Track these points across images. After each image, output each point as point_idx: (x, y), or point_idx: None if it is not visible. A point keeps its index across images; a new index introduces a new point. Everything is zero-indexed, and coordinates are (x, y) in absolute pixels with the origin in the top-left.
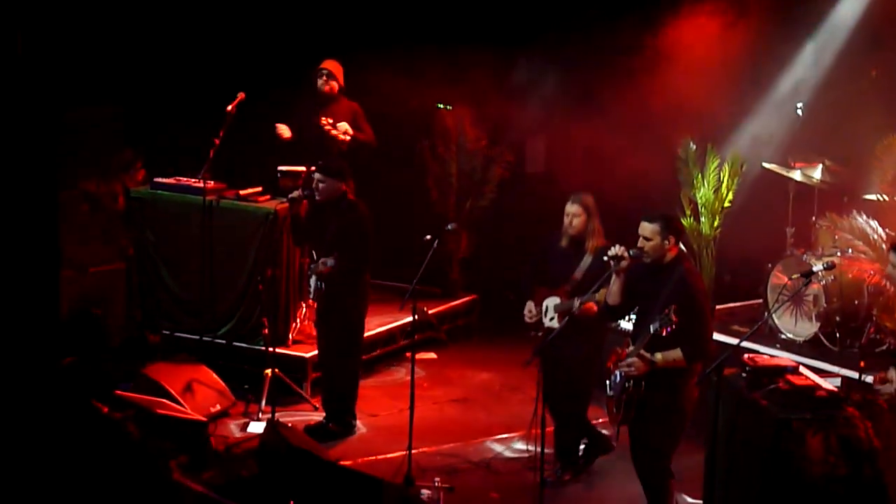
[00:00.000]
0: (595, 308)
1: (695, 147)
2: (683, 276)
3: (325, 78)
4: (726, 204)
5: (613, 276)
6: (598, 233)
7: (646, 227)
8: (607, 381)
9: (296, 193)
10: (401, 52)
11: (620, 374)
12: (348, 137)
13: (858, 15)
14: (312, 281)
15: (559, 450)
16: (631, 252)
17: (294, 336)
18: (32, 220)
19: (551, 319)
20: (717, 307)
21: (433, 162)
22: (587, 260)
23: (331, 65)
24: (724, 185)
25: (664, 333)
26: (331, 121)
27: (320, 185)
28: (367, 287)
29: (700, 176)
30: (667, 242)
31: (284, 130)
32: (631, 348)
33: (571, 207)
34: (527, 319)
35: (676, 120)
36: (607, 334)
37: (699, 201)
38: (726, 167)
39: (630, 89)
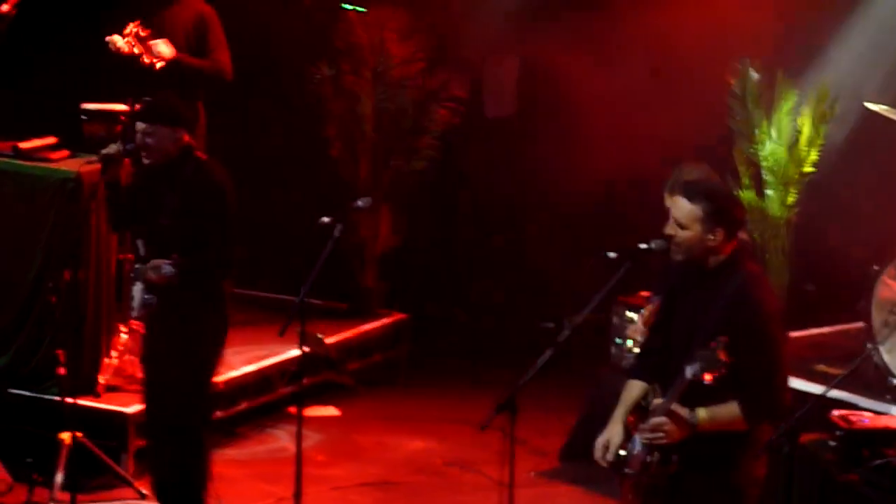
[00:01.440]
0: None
1: (758, 76)
2: (744, 288)
3: None
4: (807, 168)
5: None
6: None
7: (681, 206)
8: (619, 452)
9: (112, 148)
10: None
11: (641, 443)
12: (161, 62)
13: None
14: (137, 291)
15: None
16: (653, 243)
17: (108, 379)
18: None
19: None
20: (792, 334)
21: (336, 98)
22: None
23: None
24: (805, 137)
25: (707, 380)
26: (136, 31)
27: (147, 138)
28: (225, 300)
29: (766, 123)
30: (712, 236)
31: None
32: (658, 401)
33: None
34: None
35: (727, 36)
36: None
37: (764, 163)
38: (807, 109)
39: None
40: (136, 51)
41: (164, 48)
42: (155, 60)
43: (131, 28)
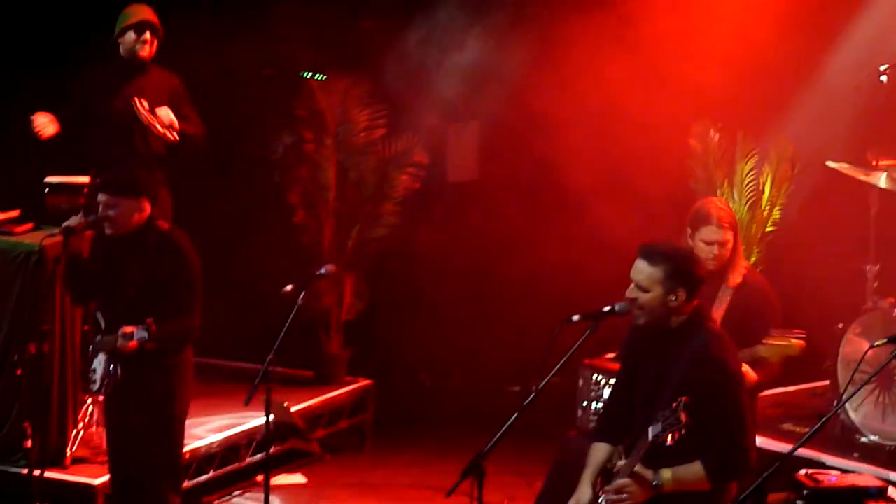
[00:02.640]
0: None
1: (718, 137)
2: (706, 348)
3: (147, 35)
4: (769, 227)
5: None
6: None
7: (641, 270)
8: None
9: (74, 220)
10: None
11: None
12: (174, 135)
13: None
14: (99, 362)
15: None
16: (616, 306)
17: (75, 451)
18: None
19: None
20: (759, 394)
21: (298, 166)
22: (725, 296)
23: (150, 14)
24: (766, 196)
25: (669, 441)
26: (146, 105)
27: (110, 210)
28: (190, 370)
29: (727, 183)
30: (673, 297)
31: (46, 124)
32: (621, 462)
33: (717, 234)
34: None
35: (686, 98)
36: None
37: None
38: (768, 168)
39: (613, 50)
40: (156, 125)
41: (170, 115)
42: (167, 131)
43: (141, 104)
